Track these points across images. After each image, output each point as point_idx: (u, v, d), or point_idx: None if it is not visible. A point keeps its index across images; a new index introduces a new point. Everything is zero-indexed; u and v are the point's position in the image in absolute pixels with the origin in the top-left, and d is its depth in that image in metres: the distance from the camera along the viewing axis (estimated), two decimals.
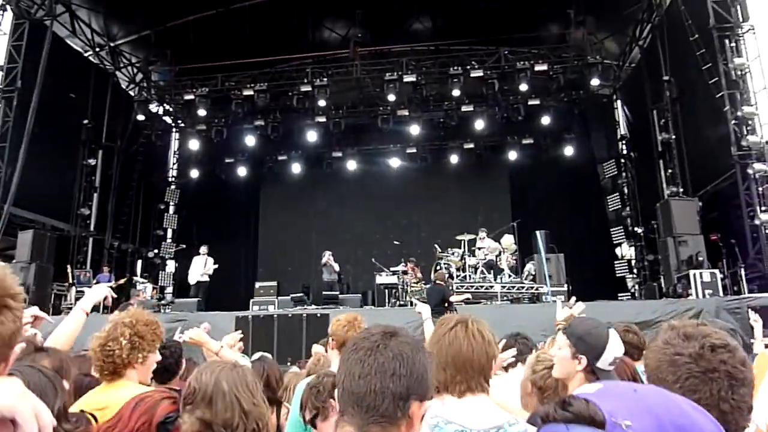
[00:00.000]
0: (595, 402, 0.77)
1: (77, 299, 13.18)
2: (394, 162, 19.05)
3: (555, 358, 2.23)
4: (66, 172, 15.89)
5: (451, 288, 11.28)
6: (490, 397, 1.88)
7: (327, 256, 14.47)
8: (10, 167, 13.10)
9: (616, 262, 17.19)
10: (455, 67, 16.07)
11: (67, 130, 15.70)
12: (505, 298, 12.87)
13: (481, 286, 13.04)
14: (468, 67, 16.17)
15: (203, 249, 14.61)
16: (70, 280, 14.14)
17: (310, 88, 16.52)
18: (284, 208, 19.95)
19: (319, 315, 10.60)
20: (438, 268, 13.33)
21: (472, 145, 18.51)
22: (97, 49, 17.06)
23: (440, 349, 1.84)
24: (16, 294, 0.99)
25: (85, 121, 16.20)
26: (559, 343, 2.23)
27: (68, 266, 14.34)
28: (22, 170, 12.82)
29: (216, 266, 14.40)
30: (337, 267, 14.42)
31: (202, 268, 14.35)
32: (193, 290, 14.26)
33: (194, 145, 18.73)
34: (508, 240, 13.89)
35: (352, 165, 19.35)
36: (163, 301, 15.27)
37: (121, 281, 14.99)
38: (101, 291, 2.75)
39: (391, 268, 14.50)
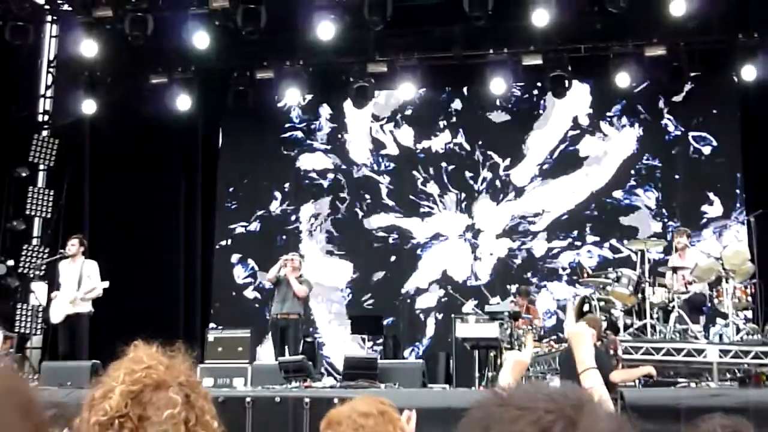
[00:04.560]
0: None
1: None
2: (497, 85, 18.13)
3: None
4: None
5: (614, 352, 11.26)
6: None
7: (285, 264, 14.67)
8: None
9: None
10: None
11: None
12: (728, 375, 12.42)
13: (679, 350, 12.19)
14: None
15: (72, 246, 14.35)
16: None
17: None
18: (262, 170, 20.04)
19: (336, 401, 10.27)
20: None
21: (662, 51, 17.47)
22: None
23: None
24: None
25: None
26: None
27: None
28: None
29: (106, 284, 14.13)
30: (302, 289, 14.42)
31: (75, 285, 13.99)
32: (63, 336, 14.20)
33: (90, 49, 18.29)
34: (739, 254, 13.03)
35: (408, 90, 18.71)
36: (26, 364, 15.56)
37: None
38: None
39: (488, 307, 14.52)
